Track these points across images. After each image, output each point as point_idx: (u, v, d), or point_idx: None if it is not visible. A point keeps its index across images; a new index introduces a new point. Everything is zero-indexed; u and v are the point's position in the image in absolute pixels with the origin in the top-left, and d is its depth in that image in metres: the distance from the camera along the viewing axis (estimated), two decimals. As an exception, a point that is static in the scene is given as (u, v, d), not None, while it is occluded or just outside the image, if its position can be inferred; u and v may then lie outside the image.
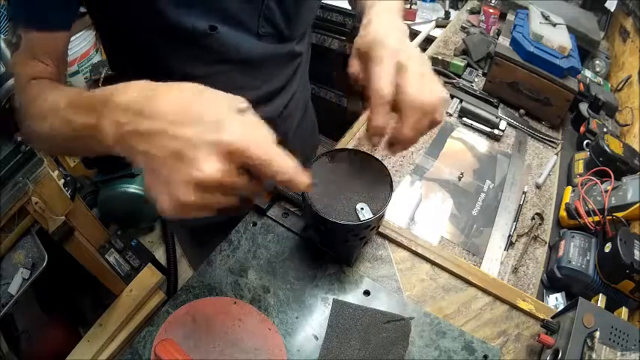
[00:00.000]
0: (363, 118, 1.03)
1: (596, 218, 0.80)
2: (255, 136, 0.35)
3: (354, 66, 0.53)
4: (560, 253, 0.77)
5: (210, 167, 0.33)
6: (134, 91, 0.37)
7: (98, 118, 0.38)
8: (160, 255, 1.82)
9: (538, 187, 0.94)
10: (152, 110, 0.35)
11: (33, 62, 0.53)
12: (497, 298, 0.67)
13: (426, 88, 0.48)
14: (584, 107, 1.11)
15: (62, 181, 1.12)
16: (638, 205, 0.77)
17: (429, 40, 1.50)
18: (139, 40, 0.61)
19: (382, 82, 0.47)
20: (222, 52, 0.62)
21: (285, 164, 0.36)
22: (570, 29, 1.13)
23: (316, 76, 1.67)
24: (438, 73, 1.19)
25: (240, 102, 0.37)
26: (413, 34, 1.67)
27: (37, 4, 0.51)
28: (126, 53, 0.66)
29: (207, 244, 0.74)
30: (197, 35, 0.58)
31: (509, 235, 0.83)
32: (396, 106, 0.48)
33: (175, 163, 0.34)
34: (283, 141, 0.44)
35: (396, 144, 0.51)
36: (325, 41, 1.85)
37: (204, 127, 0.34)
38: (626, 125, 1.12)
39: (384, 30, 0.51)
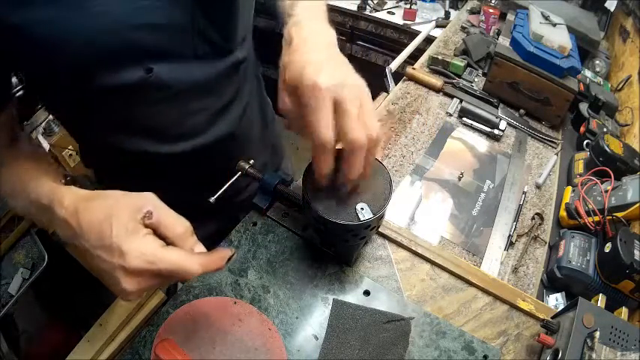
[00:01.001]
0: None
1: (596, 218, 0.80)
2: (153, 252, 0.41)
3: (286, 103, 0.49)
4: (560, 253, 0.77)
5: (127, 285, 0.41)
6: (68, 206, 0.45)
7: (51, 225, 0.47)
8: (160, 255, 1.82)
9: (538, 187, 0.95)
10: (79, 230, 0.43)
11: None
12: (497, 298, 0.67)
13: (365, 125, 0.46)
14: (584, 107, 1.11)
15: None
16: (638, 205, 0.77)
17: (429, 40, 1.50)
18: (74, 100, 0.59)
19: (322, 131, 0.45)
20: (164, 89, 0.59)
21: (188, 267, 0.41)
22: (570, 29, 1.13)
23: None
24: (438, 73, 1.19)
25: (144, 207, 0.43)
26: (413, 34, 1.67)
27: None
28: (67, 112, 0.65)
29: None
30: (133, 84, 0.56)
31: (509, 235, 0.83)
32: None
33: (106, 278, 0.42)
34: (249, 148, 0.58)
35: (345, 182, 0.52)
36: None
37: (112, 254, 0.40)
38: (626, 125, 1.12)
39: (313, 55, 0.48)
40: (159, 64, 0.56)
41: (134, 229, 0.41)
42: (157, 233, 0.43)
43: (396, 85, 1.15)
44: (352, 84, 0.47)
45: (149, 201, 0.44)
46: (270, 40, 0.70)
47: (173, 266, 0.41)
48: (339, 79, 0.46)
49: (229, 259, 0.45)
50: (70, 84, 0.55)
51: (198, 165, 0.72)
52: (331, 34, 0.53)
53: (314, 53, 0.48)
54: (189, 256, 0.42)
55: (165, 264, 0.41)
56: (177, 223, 0.44)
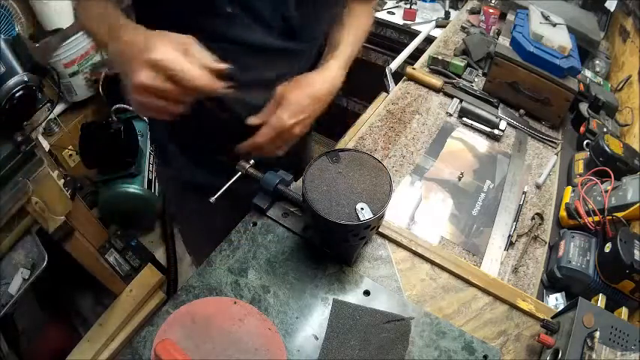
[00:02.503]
0: (363, 117, 1.03)
1: (596, 218, 0.80)
2: (173, 56, 0.52)
3: None
4: (560, 253, 0.77)
5: (140, 75, 0.52)
6: (134, 33, 0.57)
7: (109, 41, 0.59)
8: (160, 255, 1.82)
9: (538, 187, 0.95)
10: (134, 41, 0.55)
11: None
12: (497, 298, 0.67)
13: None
14: (584, 107, 1.11)
15: (62, 181, 1.12)
16: (638, 205, 0.77)
17: (429, 40, 1.50)
18: (167, 12, 0.65)
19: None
20: (237, 34, 0.69)
21: (193, 75, 0.52)
22: (570, 29, 1.13)
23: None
24: (438, 73, 1.19)
25: (186, 37, 0.54)
26: (413, 34, 1.67)
27: None
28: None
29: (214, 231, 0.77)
30: (220, 13, 0.65)
31: (509, 235, 0.83)
32: None
33: (129, 72, 0.53)
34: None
35: None
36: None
37: (145, 50, 0.52)
38: (626, 125, 1.12)
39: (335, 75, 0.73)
40: (242, 12, 0.67)
41: (174, 48, 0.52)
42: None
43: (396, 85, 1.15)
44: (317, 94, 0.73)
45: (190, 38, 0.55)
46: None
47: (192, 76, 0.52)
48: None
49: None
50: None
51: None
52: (337, 78, 0.73)
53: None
54: (200, 72, 0.53)
55: (187, 70, 0.51)
56: (206, 55, 0.54)
